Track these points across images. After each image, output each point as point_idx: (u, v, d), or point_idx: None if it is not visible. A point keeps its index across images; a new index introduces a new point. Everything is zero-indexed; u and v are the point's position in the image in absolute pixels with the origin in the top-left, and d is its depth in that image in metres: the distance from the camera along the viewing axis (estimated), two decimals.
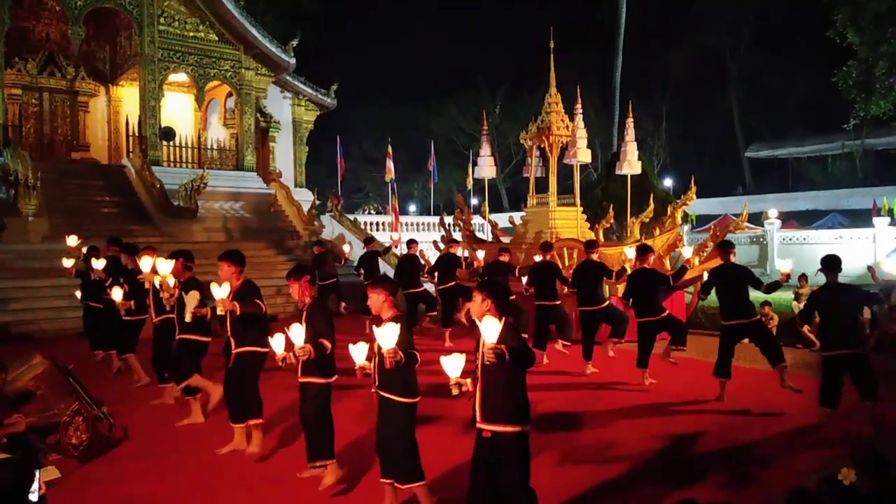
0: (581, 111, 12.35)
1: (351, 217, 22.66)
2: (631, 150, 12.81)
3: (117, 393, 7.64)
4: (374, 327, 4.18)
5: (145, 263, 6.76)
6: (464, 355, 3.73)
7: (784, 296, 12.52)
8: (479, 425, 3.88)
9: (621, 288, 9.57)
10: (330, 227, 20.44)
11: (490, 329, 3.60)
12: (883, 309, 10.26)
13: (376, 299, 4.47)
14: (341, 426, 5.36)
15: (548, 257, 9.62)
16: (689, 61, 41.99)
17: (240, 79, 21.08)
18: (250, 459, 5.64)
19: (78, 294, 9.55)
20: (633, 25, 33.37)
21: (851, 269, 19.04)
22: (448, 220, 15.44)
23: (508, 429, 3.80)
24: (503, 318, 3.86)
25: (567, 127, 12.47)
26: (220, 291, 5.38)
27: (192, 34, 20.10)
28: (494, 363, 3.58)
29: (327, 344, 4.89)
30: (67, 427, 5.51)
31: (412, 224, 26.45)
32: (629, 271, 8.84)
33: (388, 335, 4.00)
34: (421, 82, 54.45)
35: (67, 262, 9.47)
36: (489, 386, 3.83)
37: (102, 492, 5.04)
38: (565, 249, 11.57)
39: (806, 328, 10.47)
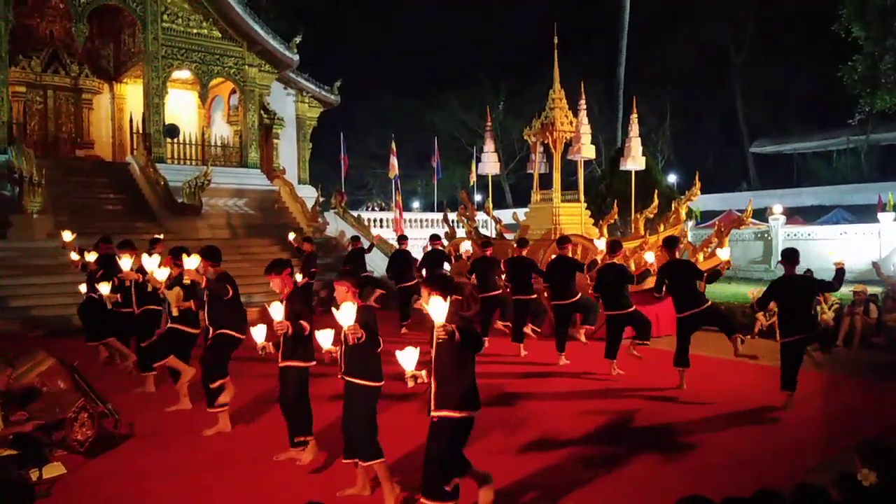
0: (585, 107, 12.31)
1: (355, 214, 22.67)
2: (635, 145, 12.77)
3: (122, 389, 7.67)
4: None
5: (125, 263, 7.44)
6: (418, 348, 3.92)
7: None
8: (432, 413, 4.13)
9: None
10: (334, 224, 20.43)
11: (438, 310, 3.76)
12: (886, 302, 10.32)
13: (341, 291, 4.65)
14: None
15: (567, 253, 9.44)
16: (693, 56, 41.87)
17: (243, 76, 21.09)
18: (255, 455, 5.65)
19: (83, 288, 9.51)
20: (637, 20, 33.30)
21: (856, 264, 19.05)
22: (452, 216, 15.44)
23: (455, 414, 4.05)
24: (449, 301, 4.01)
25: (571, 123, 12.44)
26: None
27: (195, 31, 20.11)
28: (445, 344, 3.85)
29: (306, 325, 5.15)
30: (73, 423, 5.52)
31: (416, 220, 26.45)
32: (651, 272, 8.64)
33: (345, 314, 4.20)
34: (424, 78, 54.36)
35: (75, 256, 9.55)
36: (441, 375, 4.09)
37: (108, 488, 5.05)
38: (569, 246, 11.51)
39: None
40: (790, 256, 6.84)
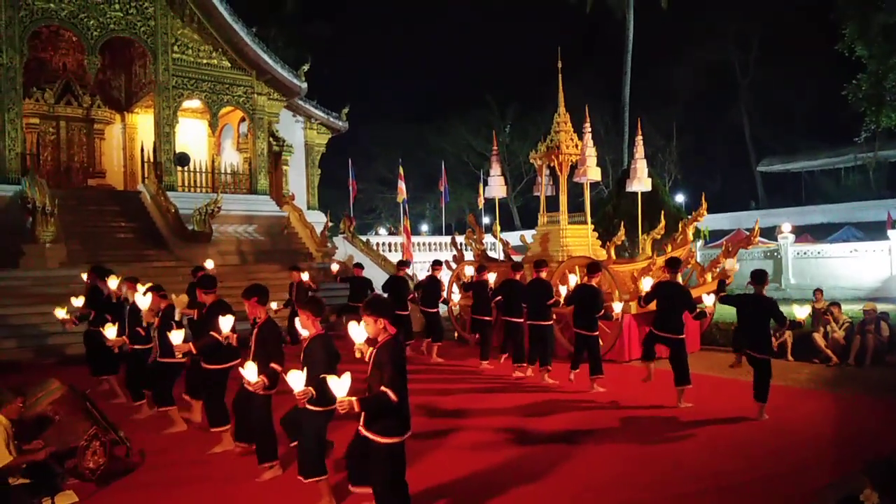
0: (590, 129, 12.40)
1: (364, 238, 22.78)
2: (641, 166, 12.82)
3: (134, 417, 7.70)
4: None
5: (112, 282, 8.29)
6: (349, 374, 3.99)
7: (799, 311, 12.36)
8: (358, 428, 4.26)
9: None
10: (343, 249, 20.55)
11: (357, 332, 4.12)
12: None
13: (303, 320, 4.91)
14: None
15: (594, 281, 8.85)
16: (699, 76, 42.10)
17: (252, 104, 21.38)
18: (266, 481, 5.65)
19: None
20: (642, 42, 33.58)
21: (867, 282, 18.95)
22: (460, 239, 15.48)
23: (379, 439, 4.15)
24: (389, 335, 4.20)
25: (576, 146, 12.52)
26: (176, 337, 6.23)
27: (205, 61, 20.45)
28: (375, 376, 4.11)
29: (278, 368, 5.35)
30: (85, 451, 5.55)
31: (424, 244, 26.53)
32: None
33: (295, 380, 4.29)
34: (431, 102, 54.84)
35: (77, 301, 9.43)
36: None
37: None
38: (577, 268, 11.50)
39: (822, 343, 10.39)
40: (760, 278, 7.41)
